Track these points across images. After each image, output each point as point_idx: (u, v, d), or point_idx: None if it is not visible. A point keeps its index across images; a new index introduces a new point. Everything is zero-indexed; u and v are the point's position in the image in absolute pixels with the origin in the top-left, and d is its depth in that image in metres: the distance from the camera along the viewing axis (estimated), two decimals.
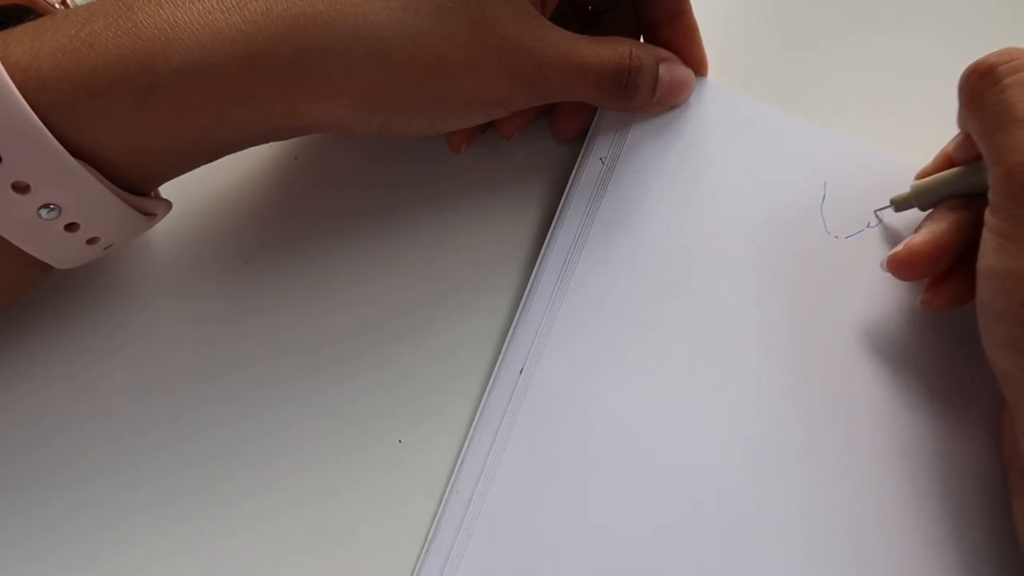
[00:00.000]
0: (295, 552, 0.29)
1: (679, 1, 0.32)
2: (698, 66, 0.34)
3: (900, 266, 0.29)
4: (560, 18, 0.31)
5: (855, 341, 0.30)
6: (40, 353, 0.31)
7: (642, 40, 0.34)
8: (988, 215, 0.26)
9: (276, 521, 0.29)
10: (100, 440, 0.30)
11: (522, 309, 0.31)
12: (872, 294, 0.31)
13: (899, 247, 0.29)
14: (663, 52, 0.32)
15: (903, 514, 0.28)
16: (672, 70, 0.32)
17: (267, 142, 0.29)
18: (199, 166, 0.28)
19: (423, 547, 0.28)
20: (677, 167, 0.32)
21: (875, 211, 0.32)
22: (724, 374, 0.30)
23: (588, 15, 0.35)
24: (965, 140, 0.29)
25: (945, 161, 0.30)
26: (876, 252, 0.31)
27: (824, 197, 0.32)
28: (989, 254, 0.25)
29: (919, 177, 0.30)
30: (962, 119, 0.28)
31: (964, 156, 0.29)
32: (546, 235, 0.32)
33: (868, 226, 0.32)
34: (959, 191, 0.29)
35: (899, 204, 0.30)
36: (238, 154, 0.28)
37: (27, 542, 0.29)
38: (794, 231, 0.32)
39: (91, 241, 0.27)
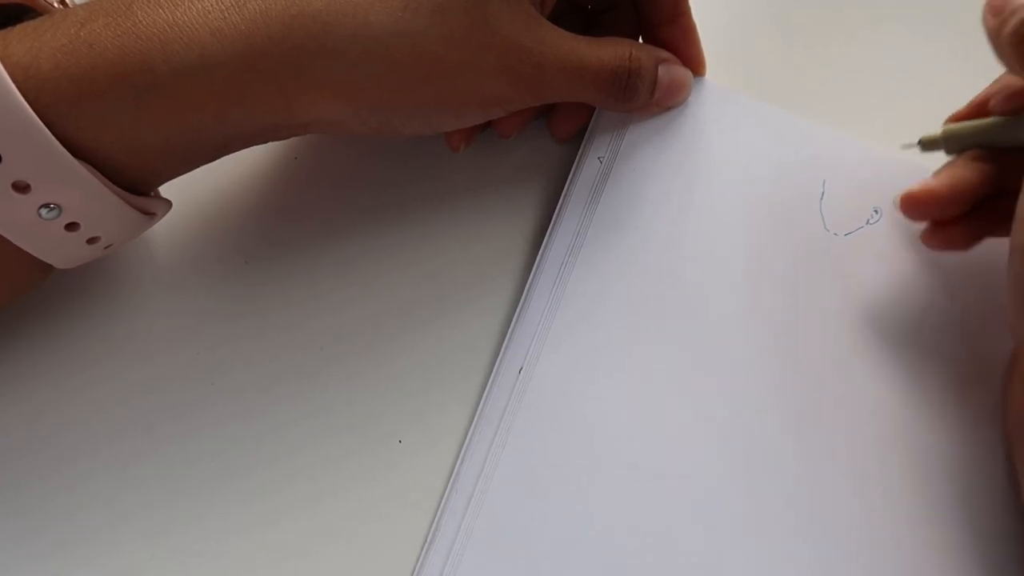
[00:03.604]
0: (295, 552, 0.29)
1: (679, 2, 0.32)
2: (696, 66, 0.34)
3: (913, 203, 0.28)
4: (559, 18, 0.31)
5: (855, 339, 0.30)
6: (40, 353, 0.31)
7: (641, 40, 0.34)
8: None
9: (276, 521, 0.29)
10: (100, 440, 0.30)
11: (521, 308, 0.31)
12: (872, 292, 0.31)
13: (915, 185, 0.28)
14: (662, 53, 0.32)
15: (904, 511, 0.28)
16: (671, 71, 0.32)
17: (266, 141, 0.29)
18: (199, 166, 0.28)
19: (423, 546, 0.28)
20: (675, 166, 0.33)
21: (901, 146, 0.30)
22: (724, 373, 0.30)
23: (587, 15, 0.35)
24: (1012, 95, 0.28)
25: (980, 108, 0.29)
26: (876, 249, 0.31)
27: (823, 195, 0.32)
28: None
29: (951, 121, 0.30)
30: (1009, 65, 0.26)
31: (1004, 108, 0.28)
32: (544, 234, 0.32)
33: (867, 223, 0.32)
34: (990, 142, 0.28)
35: (927, 144, 0.30)
36: (238, 154, 0.29)
37: (27, 542, 0.29)
38: (793, 229, 0.32)
39: (91, 241, 0.27)
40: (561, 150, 0.35)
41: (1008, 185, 0.27)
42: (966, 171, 0.28)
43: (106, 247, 0.27)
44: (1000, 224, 0.28)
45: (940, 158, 0.30)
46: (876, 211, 0.32)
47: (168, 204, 0.29)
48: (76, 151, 0.24)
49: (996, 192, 0.28)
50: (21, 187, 0.24)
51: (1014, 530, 0.28)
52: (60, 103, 0.24)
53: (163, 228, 0.32)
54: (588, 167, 0.33)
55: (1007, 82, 0.29)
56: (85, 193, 0.25)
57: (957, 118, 0.30)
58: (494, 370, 0.30)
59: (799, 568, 0.28)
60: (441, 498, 0.29)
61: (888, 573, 0.28)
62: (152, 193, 0.29)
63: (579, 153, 0.33)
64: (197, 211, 0.33)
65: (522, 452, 0.29)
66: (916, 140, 0.30)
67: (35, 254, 0.26)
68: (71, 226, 0.25)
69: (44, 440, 0.30)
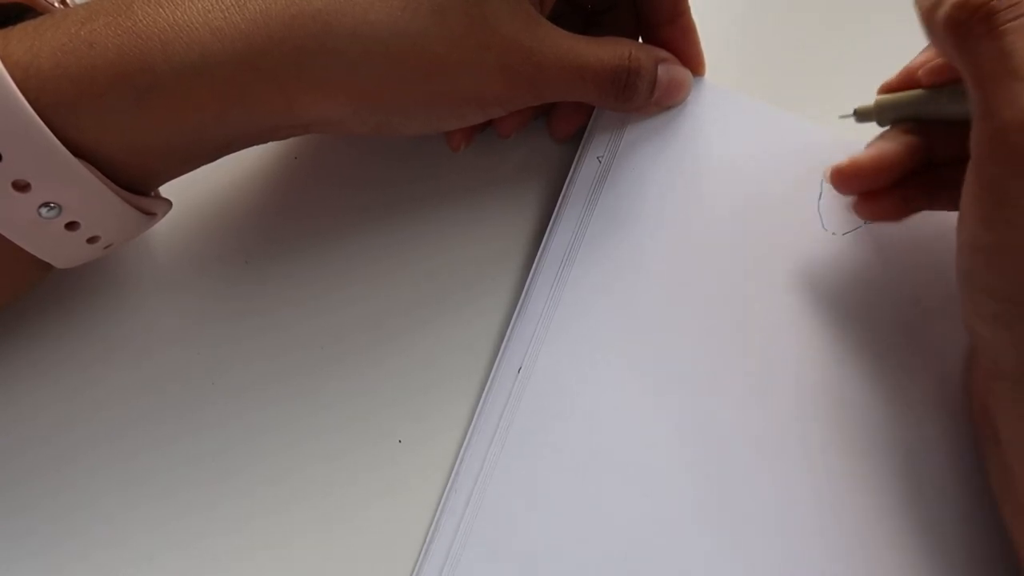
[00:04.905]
0: (294, 550, 0.29)
1: (679, 2, 0.32)
2: (696, 66, 0.34)
3: (841, 177, 0.30)
4: (559, 18, 0.31)
5: (855, 339, 0.30)
6: (40, 352, 0.31)
7: (640, 40, 0.34)
8: (970, 177, 0.24)
9: (275, 519, 0.29)
10: (100, 439, 0.30)
11: (520, 308, 0.31)
12: (871, 290, 0.31)
13: (843, 160, 0.30)
14: (662, 53, 0.32)
15: (902, 511, 0.28)
16: (670, 71, 0.32)
17: (266, 141, 0.29)
18: (199, 166, 0.28)
19: (423, 546, 0.28)
20: (674, 166, 0.33)
21: (839, 116, 0.31)
22: (723, 372, 0.30)
23: (587, 15, 0.35)
24: (937, 67, 0.28)
25: (911, 78, 0.30)
26: (874, 249, 0.31)
27: (821, 194, 0.32)
28: (973, 224, 0.24)
29: (882, 91, 0.30)
30: (940, 47, 0.26)
31: (931, 81, 0.29)
32: (544, 234, 0.32)
33: (865, 223, 0.32)
34: (921, 115, 0.29)
35: (861, 115, 0.31)
36: (238, 154, 0.29)
37: (27, 540, 0.29)
38: (791, 229, 0.32)
39: (91, 240, 0.27)
40: (560, 150, 0.35)
41: (938, 157, 0.28)
42: (893, 144, 0.29)
43: (106, 247, 0.27)
44: (932, 195, 0.29)
45: None
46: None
47: (168, 204, 0.29)
48: (76, 150, 0.24)
49: (925, 164, 0.29)
50: (21, 186, 0.24)
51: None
52: (60, 103, 0.24)
53: (163, 228, 0.32)
54: (587, 167, 0.33)
55: (932, 54, 0.29)
56: (85, 192, 0.25)
57: (888, 87, 0.30)
58: (493, 369, 0.30)
59: (798, 565, 0.28)
60: (440, 498, 0.29)
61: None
62: (152, 193, 0.29)
63: (578, 153, 0.33)
64: (197, 211, 0.33)
65: (521, 452, 0.29)
66: (851, 111, 0.31)
67: (35, 253, 0.26)
68: (71, 225, 0.26)
69: (44, 439, 0.30)
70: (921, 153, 0.29)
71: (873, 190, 0.30)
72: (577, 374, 0.30)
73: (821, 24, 0.38)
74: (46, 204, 0.24)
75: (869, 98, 0.34)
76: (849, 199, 0.31)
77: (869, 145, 0.30)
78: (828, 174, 0.30)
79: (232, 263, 0.33)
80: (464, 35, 0.27)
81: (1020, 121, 0.22)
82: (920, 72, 0.29)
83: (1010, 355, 0.25)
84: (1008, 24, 0.23)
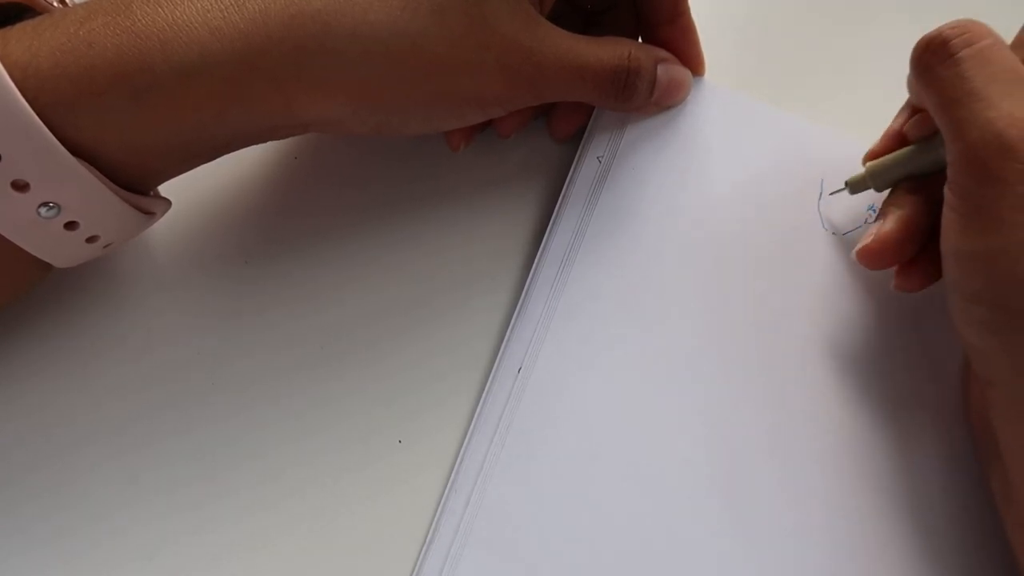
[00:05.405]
0: (294, 550, 0.29)
1: (678, 2, 0.32)
2: (696, 66, 0.34)
3: (873, 257, 0.29)
4: (559, 18, 0.31)
5: (854, 342, 0.30)
6: (40, 351, 0.31)
7: (640, 40, 0.34)
8: (948, 193, 0.25)
9: (275, 518, 0.29)
10: (100, 436, 0.30)
11: (520, 307, 0.31)
12: (872, 289, 0.31)
13: (868, 238, 0.29)
14: (661, 53, 0.32)
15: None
16: (670, 71, 0.32)
17: (265, 141, 0.29)
18: (198, 165, 0.28)
19: (422, 546, 0.28)
20: (674, 165, 0.33)
21: (830, 193, 0.31)
22: (723, 372, 0.30)
23: (587, 15, 0.35)
24: (921, 118, 0.29)
25: (896, 139, 0.30)
26: None
27: (821, 194, 0.32)
28: (953, 235, 0.25)
29: (869, 158, 0.30)
30: (916, 93, 0.28)
31: (918, 134, 0.29)
32: (544, 234, 0.32)
33: (866, 222, 0.32)
34: (915, 170, 0.29)
35: (855, 186, 0.30)
36: (238, 153, 0.29)
37: (27, 537, 0.29)
38: (791, 228, 0.32)
39: (90, 239, 0.27)
40: (560, 150, 0.35)
41: None
42: (907, 208, 0.29)
43: (105, 246, 0.27)
44: None
45: None
46: (873, 210, 0.32)
47: (167, 203, 0.29)
48: (75, 150, 0.24)
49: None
50: (20, 186, 0.24)
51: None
52: (59, 102, 0.24)
53: (163, 228, 0.32)
54: (587, 166, 0.33)
55: (916, 108, 0.29)
56: (84, 192, 0.25)
57: (874, 154, 0.30)
58: (493, 369, 0.30)
59: (799, 565, 0.28)
60: (440, 498, 0.29)
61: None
62: (152, 192, 0.29)
63: (578, 152, 0.33)
64: (197, 211, 0.33)
65: (521, 452, 0.29)
66: (842, 184, 0.31)
67: (34, 253, 0.26)
68: (70, 225, 0.26)
69: (44, 437, 0.30)
70: (936, 207, 0.28)
71: (906, 261, 0.29)
72: (577, 374, 0.30)
73: (821, 24, 0.38)
74: (45, 204, 0.24)
75: (868, 97, 0.34)
76: (848, 199, 0.31)
77: (883, 216, 0.29)
78: (855, 255, 0.29)
79: (232, 263, 0.33)
80: (464, 35, 0.27)
81: (984, 139, 0.24)
82: (905, 128, 0.29)
83: (1002, 362, 0.25)
84: (962, 52, 0.25)
